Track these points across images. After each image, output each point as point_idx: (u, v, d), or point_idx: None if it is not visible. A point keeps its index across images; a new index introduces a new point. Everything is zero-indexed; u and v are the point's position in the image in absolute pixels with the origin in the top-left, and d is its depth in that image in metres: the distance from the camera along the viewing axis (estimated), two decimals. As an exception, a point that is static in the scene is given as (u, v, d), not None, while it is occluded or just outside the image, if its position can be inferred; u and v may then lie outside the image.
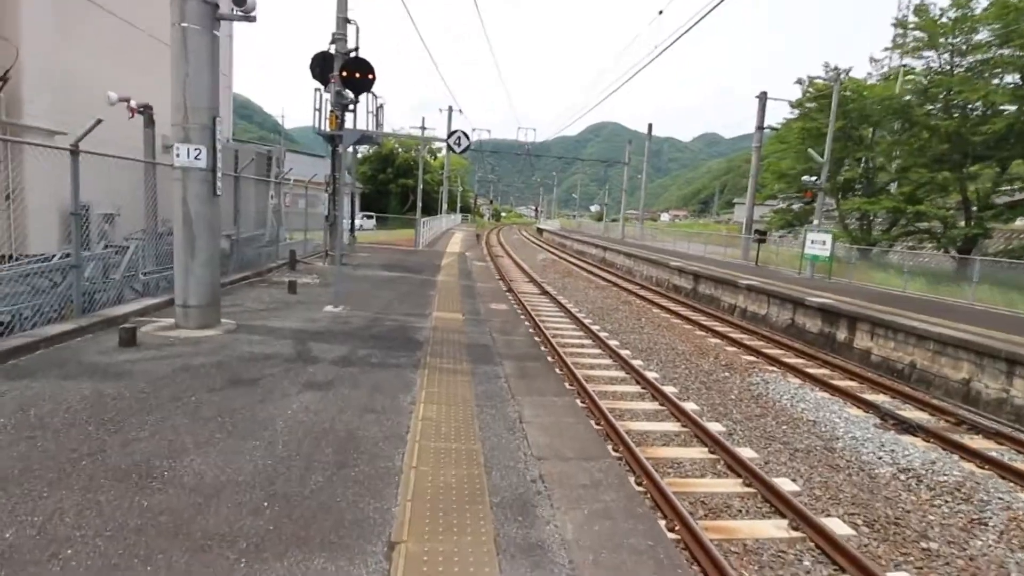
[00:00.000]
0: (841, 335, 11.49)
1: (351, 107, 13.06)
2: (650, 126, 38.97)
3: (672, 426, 6.81)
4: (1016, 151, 19.04)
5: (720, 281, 16.53)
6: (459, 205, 70.77)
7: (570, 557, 2.66)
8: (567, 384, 7.67)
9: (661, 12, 15.37)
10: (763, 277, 16.90)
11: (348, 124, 12.64)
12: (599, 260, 30.24)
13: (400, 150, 58.65)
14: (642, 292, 18.34)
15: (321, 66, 12.96)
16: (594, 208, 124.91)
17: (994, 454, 6.50)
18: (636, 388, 8.16)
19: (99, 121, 6.00)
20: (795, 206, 27.54)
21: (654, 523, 3.12)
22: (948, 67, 21.02)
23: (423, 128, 31.00)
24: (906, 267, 16.25)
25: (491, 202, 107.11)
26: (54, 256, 6.79)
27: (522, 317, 11.40)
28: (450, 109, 35.63)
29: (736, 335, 12.37)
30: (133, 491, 2.88)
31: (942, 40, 20.52)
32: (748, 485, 5.38)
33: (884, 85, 23.22)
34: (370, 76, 12.31)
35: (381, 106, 15.00)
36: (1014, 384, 8.09)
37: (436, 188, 53.42)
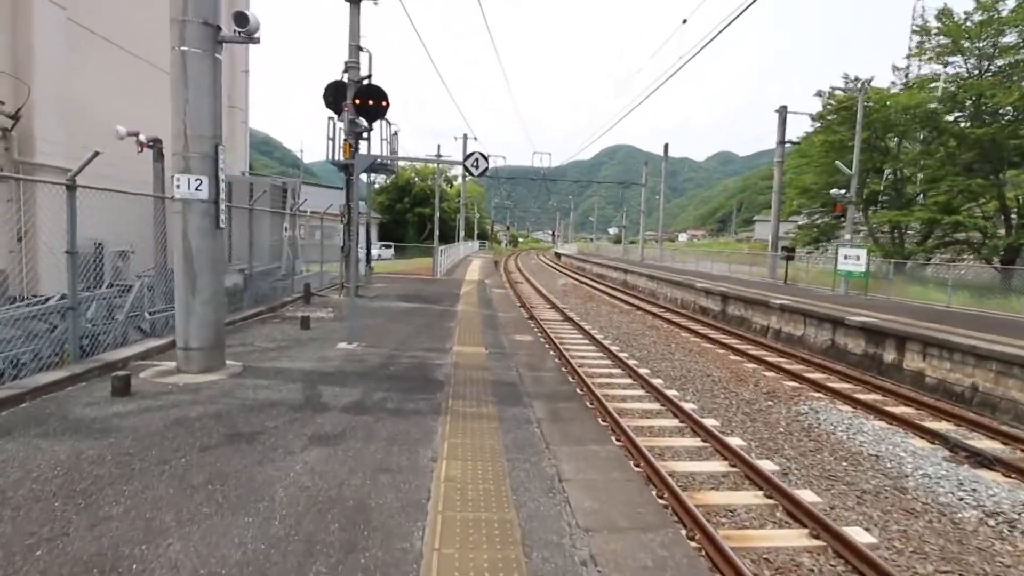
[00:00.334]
0: (889, 356, 10.67)
1: (365, 135, 12.81)
2: (666, 146, 38.58)
3: (719, 465, 6.12)
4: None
5: (750, 301, 15.77)
6: (476, 232, 70.83)
7: None
8: (601, 420, 7.02)
9: (685, 21, 15.01)
10: (795, 296, 16.11)
11: (362, 151, 12.38)
12: (620, 283, 29.57)
13: (416, 179, 59.09)
14: (668, 315, 17.62)
15: (334, 95, 12.77)
16: (612, 231, 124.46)
17: (1097, 493, 5.69)
18: (674, 422, 7.48)
19: (96, 153, 5.67)
20: (820, 220, 26.67)
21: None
22: (976, 71, 20.31)
23: (439, 156, 30.97)
24: (949, 280, 15.36)
25: (508, 228, 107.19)
26: (50, 298, 6.42)
27: (548, 348, 10.80)
28: (464, 137, 35.73)
29: (773, 359, 11.60)
30: (92, 592, 2.34)
31: (967, 44, 19.87)
32: (816, 537, 4.67)
33: (908, 94, 22.55)
34: (384, 103, 12.06)
35: (395, 133, 14.77)
36: (1103, 409, 7.24)
37: (453, 216, 53.49)
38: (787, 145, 23.81)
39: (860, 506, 5.35)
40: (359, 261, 13.63)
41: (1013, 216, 19.62)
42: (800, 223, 29.91)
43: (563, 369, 9.12)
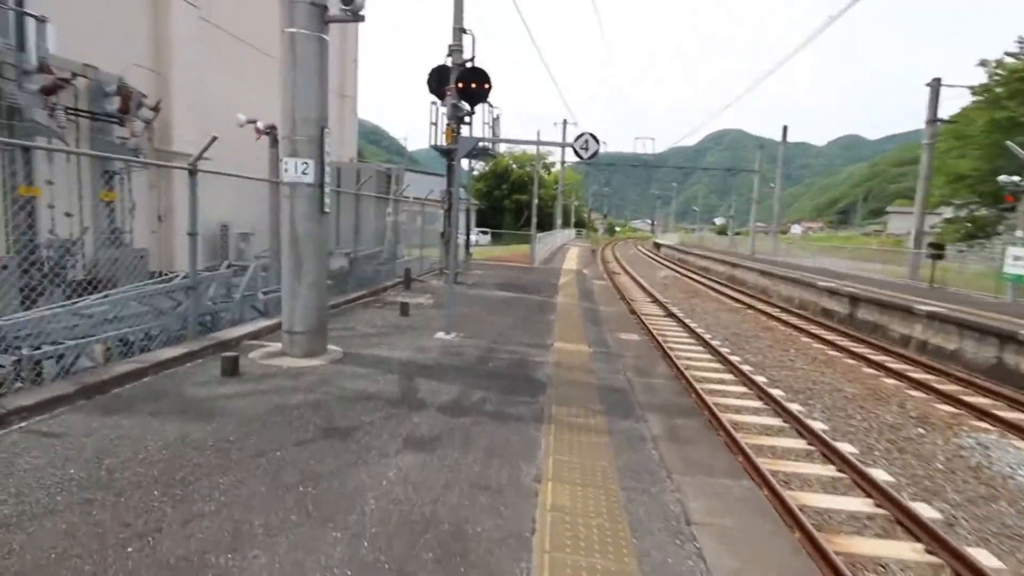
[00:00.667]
0: (1079, 382, 8.78)
1: (467, 119, 12.63)
2: (785, 128, 35.26)
3: (863, 504, 5.16)
4: None
5: (887, 306, 13.84)
6: (573, 220, 69.93)
7: None
8: (728, 448, 6.23)
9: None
10: (944, 301, 13.91)
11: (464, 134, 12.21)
12: (726, 278, 27.60)
13: (514, 166, 59.25)
14: (783, 316, 15.99)
15: (438, 80, 12.70)
16: (718, 221, 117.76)
17: None
18: (800, 443, 6.51)
19: (214, 139, 5.80)
20: (976, 213, 23.02)
21: None
22: None
23: (538, 141, 30.56)
24: None
25: (605, 216, 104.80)
26: (175, 276, 6.76)
27: (656, 352, 10.03)
28: (564, 122, 35.05)
29: (919, 375, 9.99)
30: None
31: None
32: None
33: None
34: (486, 85, 11.78)
35: (497, 117, 14.50)
36: None
37: (550, 203, 53.05)
38: (937, 124, 20.67)
39: (1059, 578, 4.24)
40: (458, 247, 13.59)
41: None
42: (947, 216, 26.08)
43: (679, 380, 8.30)
